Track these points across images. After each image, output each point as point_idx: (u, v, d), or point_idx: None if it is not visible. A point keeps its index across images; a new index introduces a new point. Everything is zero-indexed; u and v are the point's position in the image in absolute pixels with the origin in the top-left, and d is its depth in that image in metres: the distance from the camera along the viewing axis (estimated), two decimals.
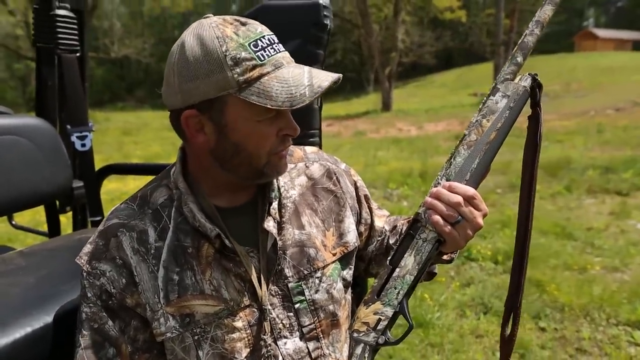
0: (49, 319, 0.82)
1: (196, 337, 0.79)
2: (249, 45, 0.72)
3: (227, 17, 0.76)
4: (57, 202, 1.57)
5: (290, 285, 0.84)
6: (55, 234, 1.60)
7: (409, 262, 0.77)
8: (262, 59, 0.72)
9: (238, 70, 0.71)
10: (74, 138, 1.45)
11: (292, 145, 0.94)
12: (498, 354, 0.91)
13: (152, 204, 0.83)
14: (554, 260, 3.44)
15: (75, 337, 0.78)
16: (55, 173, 1.33)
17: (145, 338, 0.80)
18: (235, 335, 0.80)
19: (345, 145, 9.56)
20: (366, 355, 0.78)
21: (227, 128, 0.76)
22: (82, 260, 0.79)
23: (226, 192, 0.85)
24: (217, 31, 0.72)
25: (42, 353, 0.78)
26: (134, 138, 11.85)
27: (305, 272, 0.86)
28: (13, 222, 1.72)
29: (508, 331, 0.86)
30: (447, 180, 0.77)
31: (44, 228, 1.67)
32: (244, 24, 0.75)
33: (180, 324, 0.78)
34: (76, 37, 1.49)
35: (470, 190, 0.75)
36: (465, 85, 21.67)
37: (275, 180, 0.87)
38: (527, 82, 0.79)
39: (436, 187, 0.77)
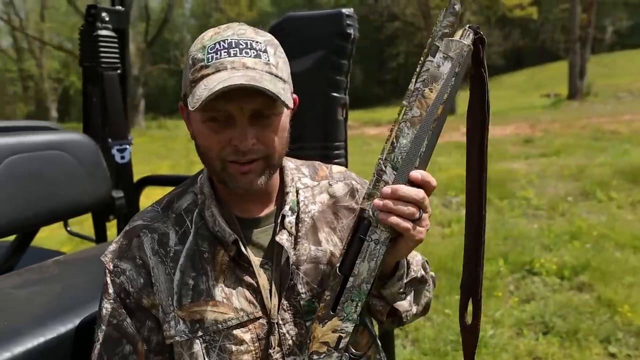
0: (63, 329, 0.86)
1: (205, 345, 0.79)
2: (208, 47, 0.73)
3: (233, 24, 0.77)
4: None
5: (302, 302, 0.82)
6: (102, 240, 1.69)
7: (363, 269, 0.69)
8: (209, 61, 0.72)
9: (191, 70, 0.74)
10: (114, 151, 1.53)
11: (319, 162, 0.96)
12: None
13: (177, 209, 0.85)
14: (630, 277, 3.12)
15: (95, 332, 0.81)
16: (95, 185, 1.40)
17: (159, 340, 0.81)
18: (243, 347, 0.79)
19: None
20: None
21: (191, 124, 0.80)
22: (106, 258, 0.83)
23: (239, 201, 0.85)
24: (203, 34, 0.76)
25: None
26: None
27: (319, 289, 0.83)
28: (68, 229, 1.84)
29: (469, 320, 0.77)
30: (393, 167, 0.68)
31: None
32: (227, 29, 0.75)
33: (190, 329, 0.79)
34: (117, 56, 1.56)
35: (433, 181, 0.69)
36: (538, 86, 20.48)
37: (293, 195, 0.86)
38: (469, 39, 0.68)
39: (380, 175, 0.69)
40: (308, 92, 1.26)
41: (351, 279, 0.69)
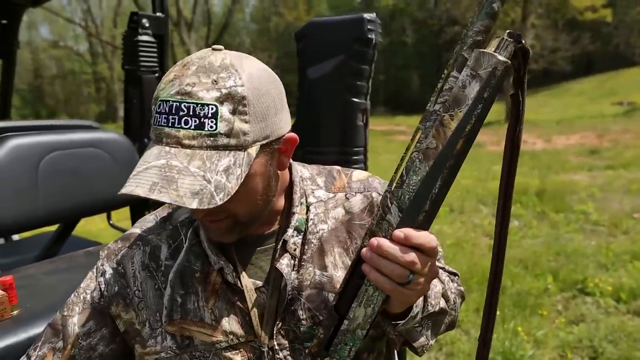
0: (34, 332, 0.89)
1: None
2: (157, 102, 0.65)
3: (194, 63, 0.65)
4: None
5: (302, 328, 0.77)
6: None
7: (359, 314, 0.63)
8: (154, 122, 0.65)
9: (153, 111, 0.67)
10: None
11: (339, 169, 0.89)
12: None
13: (174, 221, 0.82)
14: None
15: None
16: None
17: (103, 352, 0.79)
18: None
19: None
20: None
21: None
22: (102, 254, 0.83)
23: None
24: (168, 72, 0.67)
25: None
26: None
27: (322, 317, 0.76)
28: (111, 222, 1.95)
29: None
30: (399, 207, 0.58)
31: None
32: (180, 77, 0.64)
33: (179, 345, 0.76)
34: (156, 60, 1.65)
35: (433, 242, 0.59)
36: (609, 93, 19.14)
37: (300, 213, 0.79)
38: (507, 52, 0.53)
39: (384, 212, 0.59)
40: (327, 97, 1.27)
41: (346, 321, 0.64)
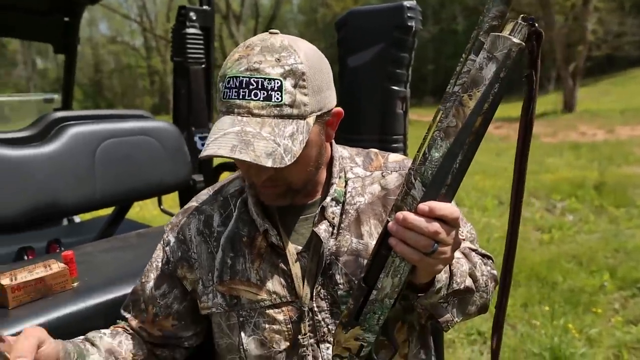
0: (129, 289, 0.97)
1: (241, 319, 0.85)
2: (225, 79, 0.72)
3: (256, 45, 0.73)
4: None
5: (339, 292, 0.83)
6: None
7: (387, 284, 0.66)
8: (224, 97, 0.72)
9: (218, 95, 0.75)
10: (196, 138, 1.68)
11: (376, 151, 0.95)
12: None
13: (225, 193, 0.92)
14: None
15: None
16: (177, 168, 1.57)
17: (179, 309, 0.90)
18: (276, 327, 0.84)
19: (510, 151, 8.76)
20: None
21: None
22: (166, 229, 0.94)
23: None
24: (232, 53, 0.74)
25: (120, 316, 0.93)
26: None
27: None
28: (162, 207, 2.06)
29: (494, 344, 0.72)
30: (422, 183, 0.61)
31: None
32: (247, 56, 0.71)
33: (228, 304, 0.85)
34: (203, 51, 1.71)
35: (455, 213, 0.61)
36: None
37: (339, 185, 0.86)
38: (521, 35, 0.56)
39: (409, 187, 0.62)
40: (367, 85, 1.27)
41: (374, 292, 0.67)
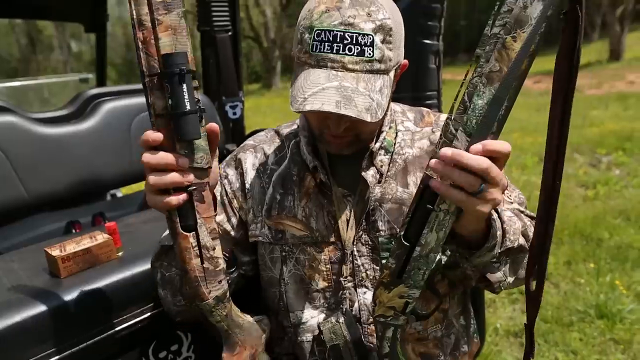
0: (135, 270, 0.99)
1: (284, 254, 0.89)
2: (315, 31, 0.72)
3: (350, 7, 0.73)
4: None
5: (380, 239, 0.85)
6: None
7: (431, 238, 0.64)
8: (313, 50, 0.72)
9: (299, 46, 0.75)
10: (227, 108, 1.68)
11: (428, 110, 0.97)
12: None
13: (281, 135, 0.97)
14: None
15: None
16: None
17: (236, 236, 0.93)
18: (315, 264, 0.87)
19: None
20: (398, 335, 0.74)
21: None
22: (223, 163, 0.98)
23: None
24: (315, 4, 0.74)
25: (127, 298, 0.96)
26: None
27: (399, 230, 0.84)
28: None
29: (533, 287, 0.68)
30: (466, 133, 0.58)
31: None
32: (339, 9, 0.71)
33: (273, 237, 0.89)
34: (228, 18, 1.68)
35: (508, 147, 0.59)
36: None
37: (389, 135, 0.88)
38: None
39: (449, 139, 0.59)
40: None
41: (418, 248, 0.65)
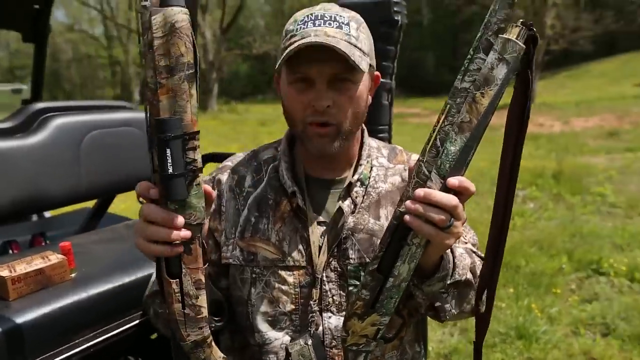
0: (129, 279, 1.00)
1: (254, 276, 0.91)
2: (298, 20, 0.83)
3: (324, 3, 0.87)
4: None
5: (349, 267, 0.89)
6: None
7: (404, 269, 0.69)
8: (297, 30, 0.81)
9: (283, 40, 0.84)
10: None
11: (401, 148, 1.03)
12: None
13: (259, 158, 0.99)
14: None
15: None
16: None
17: (214, 259, 0.94)
18: (285, 288, 0.89)
19: (488, 141, 9.02)
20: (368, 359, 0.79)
21: (281, 91, 0.90)
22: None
23: (318, 162, 0.94)
24: (297, 13, 0.86)
25: (119, 305, 0.96)
26: (268, 129, 12.77)
27: (368, 260, 0.88)
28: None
29: (482, 309, 0.76)
30: (439, 174, 0.64)
31: None
32: (317, 7, 0.84)
33: (245, 259, 0.91)
34: None
35: (472, 187, 0.66)
36: (631, 74, 18.68)
37: (365, 169, 0.94)
38: (524, 39, 0.60)
39: (423, 180, 0.65)
40: None
41: (391, 279, 0.70)
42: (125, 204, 4.60)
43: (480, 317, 0.78)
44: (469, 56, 0.62)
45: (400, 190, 0.94)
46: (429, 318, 0.99)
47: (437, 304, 0.85)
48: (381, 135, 1.35)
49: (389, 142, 1.37)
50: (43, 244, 1.49)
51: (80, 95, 28.81)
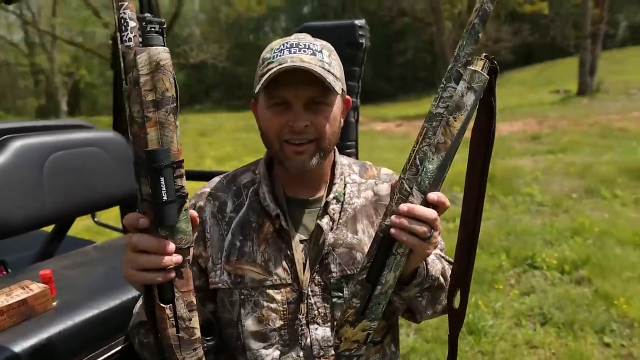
0: (112, 303, 0.99)
1: (242, 297, 0.94)
2: (274, 49, 0.89)
3: (298, 34, 0.95)
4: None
5: (332, 280, 0.94)
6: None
7: (390, 277, 0.76)
8: (274, 58, 0.87)
9: (260, 67, 0.90)
10: None
11: (370, 163, 1.09)
12: None
13: (238, 183, 1.02)
14: (628, 272, 3.22)
15: None
16: (125, 178, 1.54)
17: (198, 284, 0.96)
18: (273, 306, 0.93)
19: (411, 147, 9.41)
20: None
21: (259, 115, 0.95)
22: None
23: (292, 183, 0.99)
24: (272, 42, 0.92)
25: (104, 330, 0.95)
26: (208, 139, 12.56)
27: (349, 272, 0.95)
28: (96, 220, 1.98)
29: (456, 305, 0.84)
30: (420, 190, 0.72)
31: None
32: (291, 37, 0.92)
33: (232, 282, 0.94)
34: None
35: (447, 202, 0.74)
36: (547, 82, 20.36)
37: (339, 186, 0.99)
38: (487, 70, 0.69)
39: (405, 195, 0.73)
40: None
41: (379, 287, 0.76)
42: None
43: (455, 313, 0.86)
44: (441, 85, 0.71)
45: (372, 203, 1.01)
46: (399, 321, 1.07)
47: (414, 307, 0.93)
48: (349, 150, 1.43)
49: (356, 157, 1.46)
50: (4, 272, 1.41)
51: None
